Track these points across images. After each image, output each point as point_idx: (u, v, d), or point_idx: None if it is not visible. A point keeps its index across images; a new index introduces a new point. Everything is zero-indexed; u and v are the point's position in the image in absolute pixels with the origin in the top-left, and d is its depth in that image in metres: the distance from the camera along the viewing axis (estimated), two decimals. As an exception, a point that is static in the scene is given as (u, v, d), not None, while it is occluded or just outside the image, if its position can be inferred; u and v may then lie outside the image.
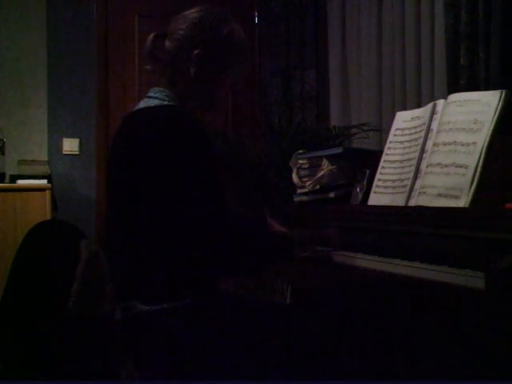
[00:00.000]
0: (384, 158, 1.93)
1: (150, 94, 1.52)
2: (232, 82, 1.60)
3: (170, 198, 1.37)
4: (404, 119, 1.93)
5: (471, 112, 1.63)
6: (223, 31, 1.52)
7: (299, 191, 2.27)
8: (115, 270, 1.50)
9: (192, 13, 1.53)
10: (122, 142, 1.49)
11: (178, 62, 1.52)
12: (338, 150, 2.15)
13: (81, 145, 3.79)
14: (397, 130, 1.93)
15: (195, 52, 1.50)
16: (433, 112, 1.79)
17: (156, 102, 1.49)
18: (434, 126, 1.76)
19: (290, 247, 1.54)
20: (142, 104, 1.51)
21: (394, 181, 1.84)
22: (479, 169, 1.54)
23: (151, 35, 1.55)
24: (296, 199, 2.29)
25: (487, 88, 2.31)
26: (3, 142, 3.35)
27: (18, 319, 1.54)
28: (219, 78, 1.56)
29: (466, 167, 1.56)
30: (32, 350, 1.51)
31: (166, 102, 1.49)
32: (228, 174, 3.06)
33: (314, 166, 2.21)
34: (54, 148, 3.75)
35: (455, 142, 1.63)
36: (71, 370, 1.47)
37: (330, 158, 2.14)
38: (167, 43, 1.53)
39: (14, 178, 3.35)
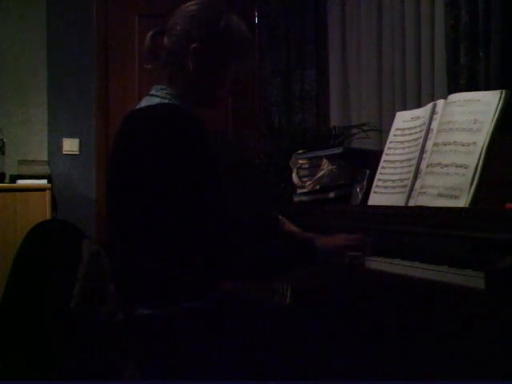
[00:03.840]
0: (384, 157, 1.93)
1: (152, 92, 1.52)
2: (234, 76, 1.58)
3: (169, 198, 1.36)
4: (404, 119, 1.93)
5: (471, 112, 1.63)
6: (220, 23, 1.50)
7: (299, 191, 2.27)
8: (116, 271, 1.50)
9: (188, 6, 1.53)
10: (122, 141, 1.49)
11: (177, 58, 1.51)
12: (338, 150, 2.15)
13: (81, 145, 3.79)
14: (397, 129, 1.93)
15: (193, 46, 1.48)
16: (433, 112, 1.79)
17: (157, 101, 1.48)
18: (434, 126, 1.76)
19: (308, 253, 1.48)
20: (144, 102, 1.51)
21: (394, 181, 1.84)
22: (479, 169, 1.54)
23: (150, 33, 1.54)
24: (296, 199, 2.29)
25: (487, 88, 2.31)
26: (3, 142, 3.35)
27: (18, 319, 1.54)
28: (220, 72, 1.54)
29: (466, 167, 1.56)
30: (33, 349, 1.51)
31: (166, 101, 1.48)
32: (228, 174, 3.06)
33: (314, 166, 2.21)
34: (54, 148, 3.74)
35: (455, 141, 1.63)
36: (72, 369, 1.47)
37: (330, 157, 2.14)
38: (165, 40, 1.51)
39: (13, 178, 3.35)
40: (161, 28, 1.54)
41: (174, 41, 1.50)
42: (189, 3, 1.54)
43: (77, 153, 3.79)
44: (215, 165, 1.42)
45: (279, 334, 1.44)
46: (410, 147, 1.84)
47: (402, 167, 1.84)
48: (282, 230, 1.84)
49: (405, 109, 2.79)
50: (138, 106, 1.52)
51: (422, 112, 1.85)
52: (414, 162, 1.78)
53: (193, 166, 1.37)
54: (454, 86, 2.47)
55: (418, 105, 2.72)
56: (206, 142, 1.40)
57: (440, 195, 1.62)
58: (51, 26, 3.73)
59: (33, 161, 3.55)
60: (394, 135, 1.93)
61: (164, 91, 1.50)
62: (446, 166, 1.63)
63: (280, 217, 1.85)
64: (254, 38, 3.66)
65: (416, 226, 1.59)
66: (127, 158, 1.44)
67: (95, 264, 1.42)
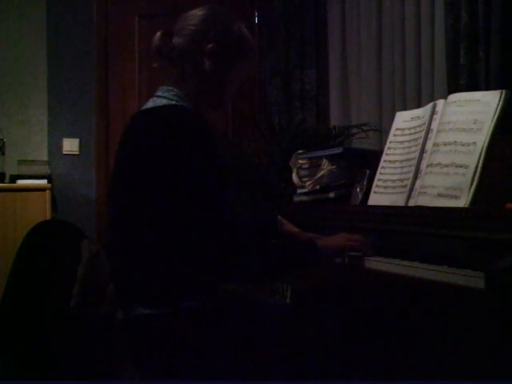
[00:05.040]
0: (384, 157, 1.93)
1: (158, 93, 1.51)
2: (240, 79, 1.60)
3: (172, 199, 1.36)
4: (404, 119, 1.93)
5: (471, 112, 1.63)
6: (233, 28, 1.54)
7: (299, 191, 2.27)
8: (115, 271, 1.50)
9: (200, 10, 1.54)
10: (128, 142, 1.49)
11: (189, 57, 1.51)
12: (338, 149, 2.15)
13: (81, 145, 3.79)
14: (397, 130, 1.93)
15: (209, 46, 1.50)
16: (433, 112, 1.79)
17: (164, 102, 1.48)
18: (434, 126, 1.76)
19: (310, 254, 1.48)
20: (150, 103, 1.50)
21: (394, 181, 1.84)
22: (479, 169, 1.54)
23: (159, 32, 1.54)
24: (296, 199, 2.29)
25: (487, 88, 2.31)
26: (3, 142, 3.35)
27: (18, 319, 1.54)
28: (230, 74, 1.56)
29: (466, 167, 1.56)
30: (33, 349, 1.51)
31: (174, 102, 1.48)
32: (228, 174, 3.06)
33: (314, 166, 2.21)
34: (54, 148, 3.75)
35: (455, 141, 1.63)
36: (72, 369, 1.47)
37: (330, 157, 2.14)
38: (176, 39, 1.51)
39: (13, 178, 3.35)
40: (169, 29, 1.54)
41: (188, 40, 1.51)
42: (198, 9, 1.55)
43: (77, 153, 3.79)
44: (221, 166, 1.42)
45: (279, 333, 1.44)
46: (410, 147, 1.84)
47: (402, 167, 1.83)
48: (281, 230, 1.84)
49: (405, 109, 2.79)
50: (144, 107, 1.52)
51: (422, 112, 1.85)
52: (414, 162, 1.78)
53: (198, 168, 1.37)
54: (454, 86, 2.47)
55: (418, 105, 2.72)
56: (212, 143, 1.40)
57: (440, 195, 1.61)
58: (51, 26, 3.73)
59: (33, 161, 3.54)
60: (394, 135, 1.93)
61: (171, 92, 1.50)
62: (446, 166, 1.63)
63: (279, 217, 1.85)
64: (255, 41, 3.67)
65: (416, 226, 1.59)
66: (132, 158, 1.44)
67: (95, 264, 1.42)
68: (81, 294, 1.38)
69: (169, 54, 1.52)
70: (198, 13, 1.54)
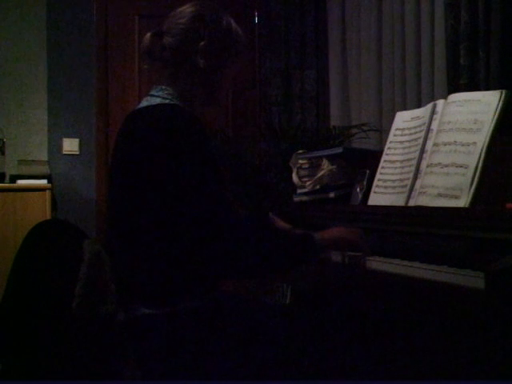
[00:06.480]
0: (384, 157, 1.93)
1: (152, 92, 1.52)
2: (234, 73, 1.60)
3: (170, 198, 1.37)
4: (404, 119, 1.93)
5: (471, 112, 1.63)
6: (223, 22, 1.53)
7: (299, 191, 2.27)
8: (117, 272, 1.50)
9: (188, 8, 1.53)
10: (123, 142, 1.49)
11: (182, 56, 1.51)
12: (338, 149, 2.15)
13: (81, 145, 3.79)
14: (397, 130, 1.94)
15: (201, 44, 1.50)
16: (433, 112, 1.79)
17: (158, 101, 1.48)
18: (434, 126, 1.76)
19: (308, 247, 1.46)
20: (144, 103, 1.51)
21: (394, 181, 1.84)
22: (479, 169, 1.54)
23: (148, 34, 1.54)
24: (296, 199, 2.29)
25: (487, 88, 2.31)
26: (3, 142, 3.35)
27: (19, 320, 1.54)
28: (224, 69, 1.55)
29: (466, 167, 1.57)
30: (33, 350, 1.51)
31: (167, 101, 1.48)
32: (228, 174, 3.06)
33: (314, 165, 2.21)
34: (54, 148, 3.74)
35: (455, 142, 1.64)
36: (73, 369, 1.47)
37: (330, 157, 2.14)
38: (167, 39, 1.51)
39: (13, 178, 3.34)
40: (159, 29, 1.54)
41: (179, 39, 1.50)
42: (185, 6, 1.55)
43: (77, 153, 3.79)
44: (216, 165, 1.42)
45: (279, 333, 1.44)
46: (410, 147, 1.84)
47: (402, 167, 1.84)
48: (274, 227, 1.83)
49: (405, 109, 2.79)
50: (138, 107, 1.52)
51: (422, 112, 1.86)
52: (414, 162, 1.78)
53: (194, 166, 1.37)
54: (454, 86, 2.47)
55: (418, 105, 2.72)
56: (207, 141, 1.40)
57: (440, 195, 1.62)
58: (51, 26, 3.73)
59: (33, 161, 3.54)
60: (394, 135, 1.94)
61: (165, 91, 1.50)
62: (446, 165, 1.63)
63: (271, 214, 1.85)
64: (252, 44, 3.69)
65: (416, 226, 1.59)
66: (128, 158, 1.44)
67: (96, 264, 1.42)
68: (83, 294, 1.38)
69: (160, 55, 1.52)
70: (186, 10, 1.53)
